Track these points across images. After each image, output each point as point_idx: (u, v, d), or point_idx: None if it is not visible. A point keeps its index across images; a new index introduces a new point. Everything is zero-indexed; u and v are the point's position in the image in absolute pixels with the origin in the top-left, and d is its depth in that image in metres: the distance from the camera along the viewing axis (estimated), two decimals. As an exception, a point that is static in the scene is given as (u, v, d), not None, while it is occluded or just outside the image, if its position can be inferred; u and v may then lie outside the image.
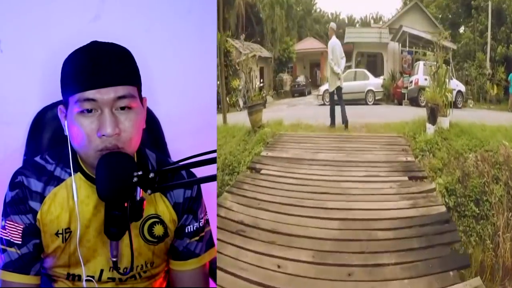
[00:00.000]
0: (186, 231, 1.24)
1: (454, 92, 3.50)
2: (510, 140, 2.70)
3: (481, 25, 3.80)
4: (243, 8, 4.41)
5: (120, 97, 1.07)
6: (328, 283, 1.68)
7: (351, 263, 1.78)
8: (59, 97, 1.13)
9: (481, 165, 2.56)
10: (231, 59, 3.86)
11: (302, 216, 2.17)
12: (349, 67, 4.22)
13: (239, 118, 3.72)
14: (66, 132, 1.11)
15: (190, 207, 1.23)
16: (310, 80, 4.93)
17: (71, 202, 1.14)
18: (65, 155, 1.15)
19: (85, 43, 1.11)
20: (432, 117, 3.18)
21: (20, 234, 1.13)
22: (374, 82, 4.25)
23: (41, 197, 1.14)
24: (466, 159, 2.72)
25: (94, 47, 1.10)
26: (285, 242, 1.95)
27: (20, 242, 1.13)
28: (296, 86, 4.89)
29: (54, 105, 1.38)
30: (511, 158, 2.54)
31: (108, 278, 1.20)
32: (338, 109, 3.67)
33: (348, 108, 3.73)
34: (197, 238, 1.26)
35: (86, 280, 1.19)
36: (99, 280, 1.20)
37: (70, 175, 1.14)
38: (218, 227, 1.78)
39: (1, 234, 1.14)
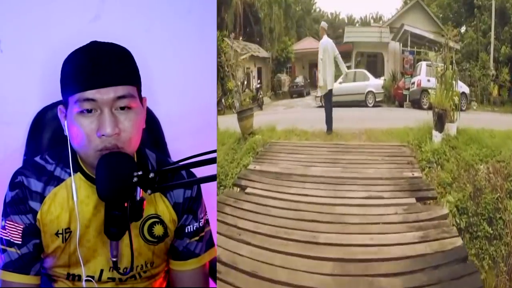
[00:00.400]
0: (186, 231, 1.24)
1: (459, 95, 3.40)
2: (522, 148, 2.52)
3: (484, 24, 3.75)
4: (241, 7, 4.40)
5: (120, 97, 1.07)
6: None
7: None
8: (59, 97, 1.13)
9: (494, 178, 2.39)
10: (227, 59, 3.83)
11: (288, 254, 1.81)
12: (348, 67, 4.20)
13: (232, 122, 3.57)
14: (66, 132, 1.11)
15: (190, 207, 1.23)
16: (309, 80, 4.90)
17: (71, 202, 1.14)
18: (65, 155, 1.15)
19: (85, 43, 1.11)
20: (440, 124, 2.98)
21: (20, 234, 1.13)
22: (374, 83, 4.19)
23: (41, 197, 1.14)
24: (477, 171, 2.54)
25: (94, 47, 1.10)
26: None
27: (20, 242, 1.13)
28: (295, 86, 4.85)
29: (54, 105, 1.38)
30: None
31: (108, 278, 1.20)
32: (335, 112, 3.54)
33: (347, 111, 3.64)
34: (197, 238, 1.26)
35: (86, 280, 1.19)
36: (99, 280, 1.20)
37: (70, 175, 1.14)
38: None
39: (1, 234, 1.14)
